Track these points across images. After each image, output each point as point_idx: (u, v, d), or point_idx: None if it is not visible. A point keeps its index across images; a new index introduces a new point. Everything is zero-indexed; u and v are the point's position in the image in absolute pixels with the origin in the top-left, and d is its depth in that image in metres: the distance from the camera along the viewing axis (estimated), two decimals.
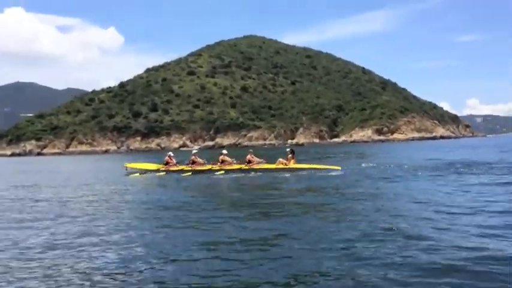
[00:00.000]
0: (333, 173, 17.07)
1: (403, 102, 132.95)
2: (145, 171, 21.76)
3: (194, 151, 22.12)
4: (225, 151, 21.20)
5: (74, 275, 5.40)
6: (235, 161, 20.11)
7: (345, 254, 5.68)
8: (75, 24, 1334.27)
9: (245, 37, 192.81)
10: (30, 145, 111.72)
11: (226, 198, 12.20)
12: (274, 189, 13.56)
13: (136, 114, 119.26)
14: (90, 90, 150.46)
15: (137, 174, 20.97)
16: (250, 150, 21.32)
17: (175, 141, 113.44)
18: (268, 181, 15.77)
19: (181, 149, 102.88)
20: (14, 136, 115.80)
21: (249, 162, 19.64)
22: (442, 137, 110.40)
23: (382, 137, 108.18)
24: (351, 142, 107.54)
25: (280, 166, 18.98)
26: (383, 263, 5.29)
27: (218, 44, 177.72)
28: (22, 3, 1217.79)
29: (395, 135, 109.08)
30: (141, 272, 5.41)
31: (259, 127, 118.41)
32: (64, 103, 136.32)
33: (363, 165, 20.99)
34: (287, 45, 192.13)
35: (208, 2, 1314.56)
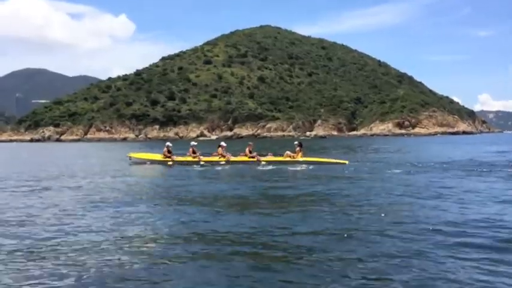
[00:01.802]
0: (342, 168, 17.02)
1: (422, 96, 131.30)
2: (150, 161, 21.53)
3: (193, 143, 22.17)
4: (223, 143, 21.21)
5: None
6: (229, 154, 20.28)
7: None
8: (87, 11, 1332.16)
9: (260, 27, 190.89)
10: (48, 131, 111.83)
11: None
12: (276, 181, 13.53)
13: (154, 103, 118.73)
14: (101, 77, 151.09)
15: (147, 164, 20.93)
16: (250, 143, 21.43)
17: (193, 130, 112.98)
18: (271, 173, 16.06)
19: (199, 138, 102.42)
20: (32, 122, 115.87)
21: (250, 152, 19.93)
22: (464, 132, 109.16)
23: (403, 131, 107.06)
24: (371, 135, 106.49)
25: (288, 159, 19.30)
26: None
27: (233, 33, 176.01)
28: None
29: (417, 130, 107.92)
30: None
31: (277, 118, 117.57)
32: (80, 89, 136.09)
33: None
34: (302, 36, 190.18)
35: None
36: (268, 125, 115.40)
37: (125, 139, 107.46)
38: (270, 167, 18.17)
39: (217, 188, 12.03)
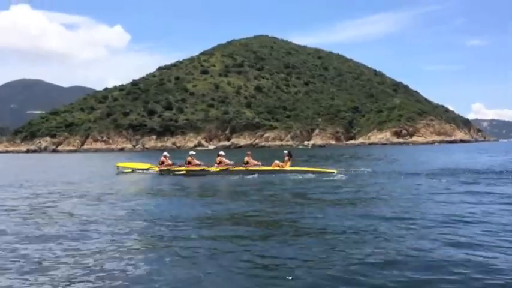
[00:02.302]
0: (329, 177, 17.09)
1: (419, 104, 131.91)
2: (137, 170, 21.90)
3: (191, 152, 22.24)
4: (222, 152, 21.38)
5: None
6: (232, 163, 20.29)
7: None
8: (82, 22, 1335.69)
9: (256, 37, 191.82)
10: (45, 142, 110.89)
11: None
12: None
13: (151, 113, 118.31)
14: (96, 88, 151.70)
15: (133, 171, 21.68)
16: (248, 152, 21.46)
17: (191, 140, 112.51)
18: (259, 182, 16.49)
19: (196, 148, 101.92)
20: (28, 133, 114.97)
21: (247, 163, 19.83)
22: (462, 141, 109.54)
23: (401, 140, 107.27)
24: (369, 144, 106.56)
25: (276, 168, 19.33)
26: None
27: (230, 43, 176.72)
28: (28, 1, 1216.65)
29: (415, 138, 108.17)
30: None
31: (275, 127, 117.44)
32: (77, 100, 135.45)
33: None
34: (298, 46, 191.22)
35: (216, 2, 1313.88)
36: (266, 135, 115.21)
37: (122, 149, 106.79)
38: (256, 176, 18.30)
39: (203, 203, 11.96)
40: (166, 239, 7.10)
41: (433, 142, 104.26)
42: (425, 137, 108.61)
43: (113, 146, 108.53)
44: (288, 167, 19.25)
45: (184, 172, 20.19)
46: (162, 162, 21.28)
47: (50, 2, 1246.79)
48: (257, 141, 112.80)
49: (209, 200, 11.68)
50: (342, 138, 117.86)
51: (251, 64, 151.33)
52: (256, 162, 20.09)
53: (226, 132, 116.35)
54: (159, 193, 13.76)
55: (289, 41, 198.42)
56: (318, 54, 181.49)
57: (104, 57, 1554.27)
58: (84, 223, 8.59)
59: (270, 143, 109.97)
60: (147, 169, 21.70)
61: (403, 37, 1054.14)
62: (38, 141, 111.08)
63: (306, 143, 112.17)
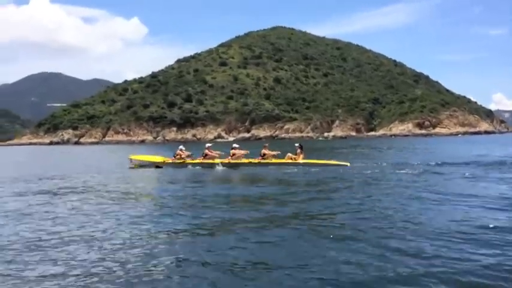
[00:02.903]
0: (342, 170, 16.77)
1: (441, 95, 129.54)
2: (151, 163, 21.53)
3: (208, 144, 22.06)
4: (236, 144, 21.35)
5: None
6: (247, 152, 20.34)
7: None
8: (100, 15, 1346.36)
9: (273, 28, 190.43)
10: (67, 134, 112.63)
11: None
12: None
13: (171, 105, 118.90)
14: (114, 81, 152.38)
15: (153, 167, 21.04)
16: (266, 144, 21.40)
17: (211, 132, 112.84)
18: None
19: (216, 140, 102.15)
20: (51, 125, 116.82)
21: (264, 155, 19.75)
22: (486, 132, 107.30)
23: (423, 131, 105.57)
24: (391, 136, 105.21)
25: (289, 161, 19.31)
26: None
27: (247, 35, 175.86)
28: None
29: (438, 130, 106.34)
30: None
31: (295, 119, 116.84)
32: (98, 93, 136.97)
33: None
34: (316, 37, 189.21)
35: None
36: (286, 126, 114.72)
37: (143, 141, 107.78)
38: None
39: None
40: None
41: (456, 134, 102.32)
42: (448, 128, 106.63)
43: (134, 138, 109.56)
44: (300, 160, 19.24)
45: (199, 165, 20.17)
46: (179, 156, 21.11)
47: None
48: (277, 132, 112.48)
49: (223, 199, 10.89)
50: (362, 130, 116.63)
51: (269, 56, 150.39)
52: (273, 153, 20.06)
53: (246, 124, 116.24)
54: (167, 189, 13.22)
55: (306, 32, 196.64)
56: (337, 45, 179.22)
57: (121, 50, 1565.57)
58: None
59: (290, 134, 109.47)
60: (163, 162, 21.46)
61: (419, 27, 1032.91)
62: (60, 134, 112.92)
63: (326, 134, 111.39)
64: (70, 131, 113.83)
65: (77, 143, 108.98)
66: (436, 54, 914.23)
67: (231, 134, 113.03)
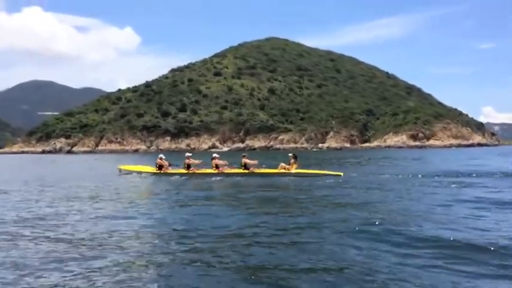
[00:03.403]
0: (335, 180, 16.83)
1: (434, 108, 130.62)
2: (139, 173, 21.64)
3: (187, 154, 22.02)
4: (216, 154, 21.19)
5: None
6: (227, 164, 20.31)
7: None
8: (93, 24, 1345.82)
9: (267, 39, 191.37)
10: (60, 143, 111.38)
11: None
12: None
13: (165, 114, 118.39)
14: (107, 89, 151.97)
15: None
16: (244, 154, 21.62)
17: (205, 142, 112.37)
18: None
19: (210, 150, 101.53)
20: (43, 133, 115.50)
21: (245, 165, 19.59)
22: (479, 144, 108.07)
23: (418, 143, 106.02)
24: (385, 147, 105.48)
25: (282, 171, 19.10)
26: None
27: (241, 45, 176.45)
28: (40, 3, 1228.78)
29: (432, 142, 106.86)
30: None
31: (289, 130, 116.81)
32: (91, 101, 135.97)
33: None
34: (310, 48, 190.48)
35: (227, 4, 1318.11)
36: (280, 137, 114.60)
37: (136, 151, 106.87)
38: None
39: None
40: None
41: (450, 146, 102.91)
42: (442, 141, 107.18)
43: (127, 147, 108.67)
44: (293, 170, 19.03)
45: (181, 175, 20.03)
46: (160, 165, 21.04)
47: (61, 4, 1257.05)
48: (272, 143, 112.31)
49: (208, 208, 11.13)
50: (356, 141, 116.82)
51: (263, 66, 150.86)
52: (253, 162, 19.96)
53: (241, 134, 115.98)
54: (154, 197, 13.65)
55: (300, 43, 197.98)
56: (330, 57, 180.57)
57: (114, 59, 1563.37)
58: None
59: (284, 145, 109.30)
60: (151, 173, 21.33)
61: (411, 40, 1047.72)
62: (53, 142, 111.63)
63: (320, 145, 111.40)
64: (63, 139, 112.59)
65: (69, 151, 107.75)
66: (428, 67, 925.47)
67: (225, 144, 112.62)
